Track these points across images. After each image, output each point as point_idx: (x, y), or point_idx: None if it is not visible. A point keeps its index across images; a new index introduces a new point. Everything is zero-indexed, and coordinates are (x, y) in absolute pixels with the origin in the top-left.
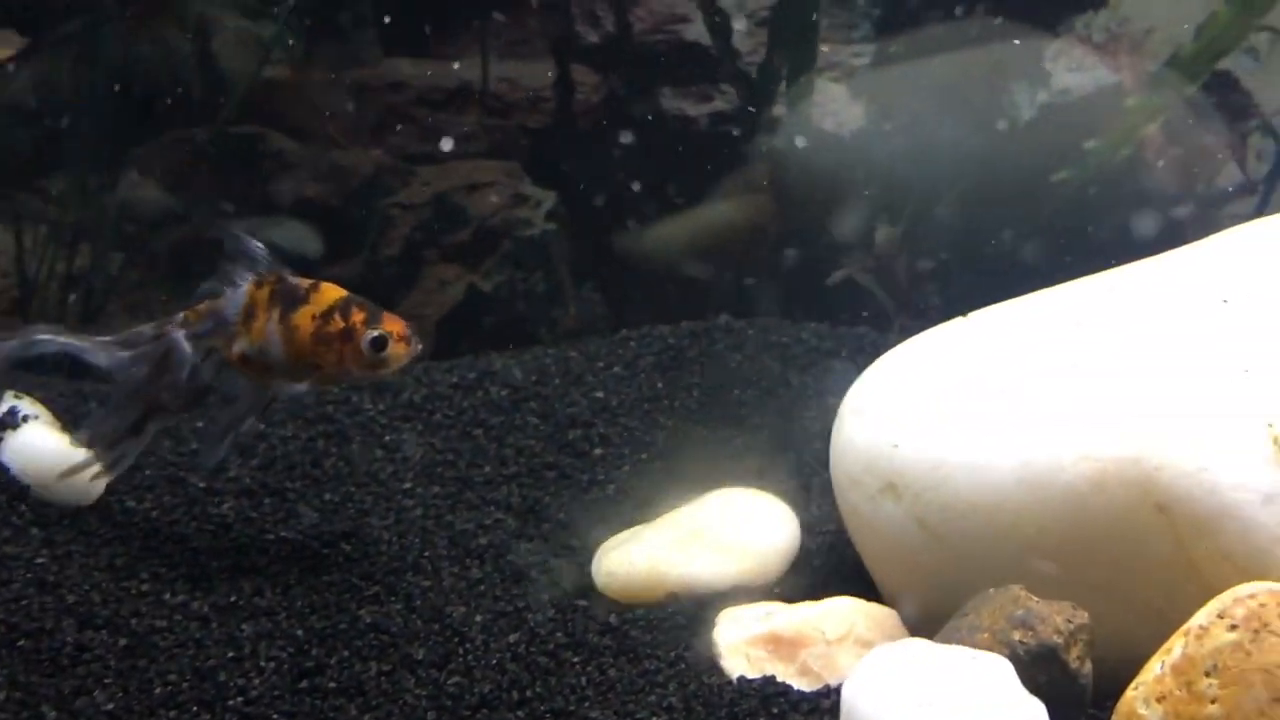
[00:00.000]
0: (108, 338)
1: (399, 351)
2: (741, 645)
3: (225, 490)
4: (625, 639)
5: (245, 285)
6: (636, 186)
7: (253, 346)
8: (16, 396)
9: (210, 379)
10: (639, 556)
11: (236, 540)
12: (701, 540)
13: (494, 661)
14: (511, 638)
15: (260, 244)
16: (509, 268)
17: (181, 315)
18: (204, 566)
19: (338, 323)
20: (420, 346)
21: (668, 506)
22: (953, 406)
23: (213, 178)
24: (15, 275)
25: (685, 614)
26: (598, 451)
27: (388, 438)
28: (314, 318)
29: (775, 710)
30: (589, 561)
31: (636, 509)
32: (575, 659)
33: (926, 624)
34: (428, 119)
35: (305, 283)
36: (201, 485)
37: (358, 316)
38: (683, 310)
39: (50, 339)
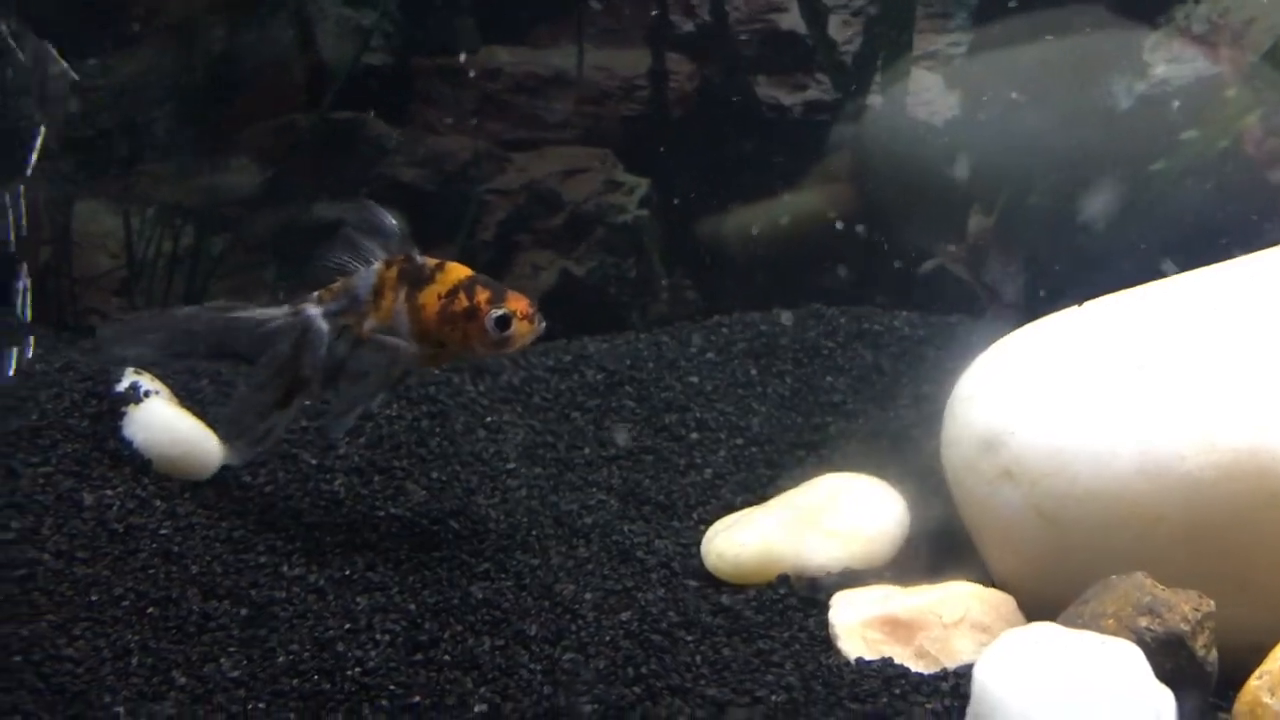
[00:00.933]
0: (237, 313)
1: (523, 330)
2: (858, 627)
3: (335, 467)
4: (738, 619)
5: (376, 265)
6: (729, 174)
7: (381, 325)
8: (136, 373)
9: (344, 355)
10: (750, 538)
11: (348, 516)
12: (813, 523)
13: (607, 639)
14: (623, 615)
15: (392, 219)
16: (602, 253)
17: (316, 294)
18: (318, 541)
19: (462, 301)
20: (544, 324)
21: (767, 491)
22: (1071, 394)
23: (313, 163)
24: (124, 257)
25: (797, 595)
26: (694, 436)
27: (489, 419)
28: (440, 296)
29: (897, 691)
30: (693, 542)
31: (735, 493)
32: (689, 638)
33: (1041, 609)
34: (523, 105)
35: (431, 262)
36: (313, 462)
37: (482, 295)
38: (774, 298)
39: (198, 314)
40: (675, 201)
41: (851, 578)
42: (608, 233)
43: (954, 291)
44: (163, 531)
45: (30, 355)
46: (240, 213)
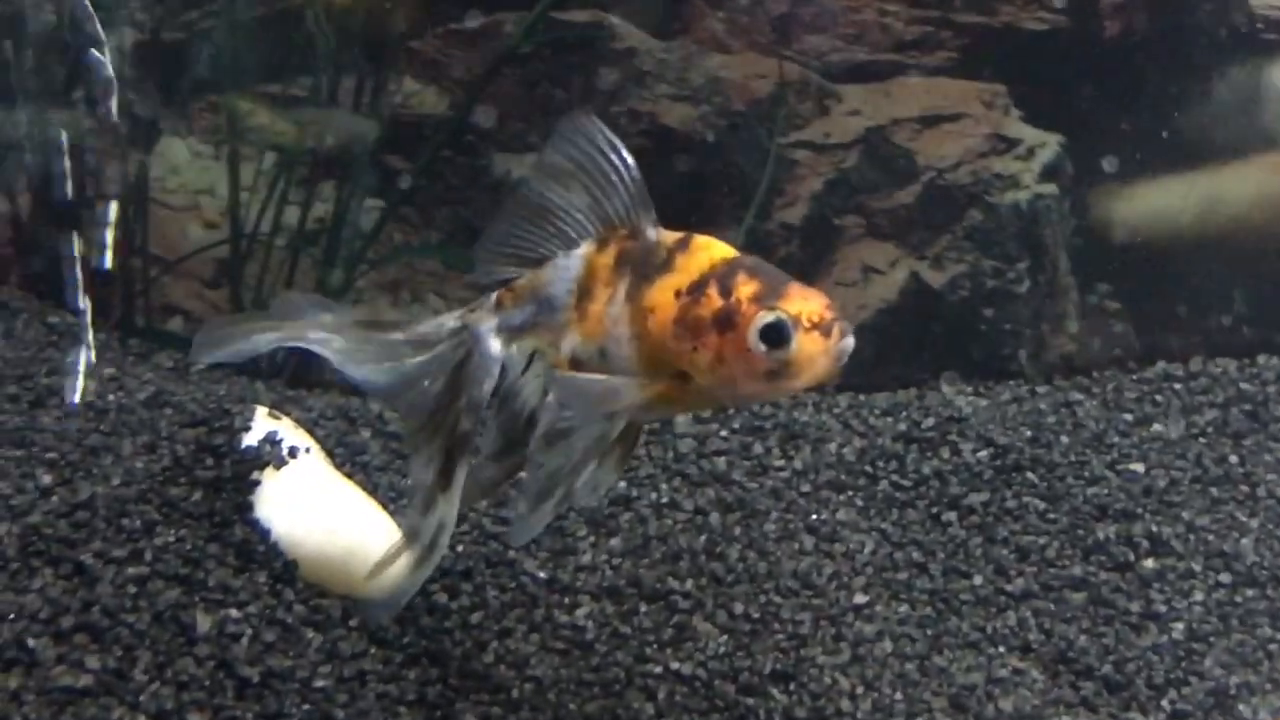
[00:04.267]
0: (390, 334)
1: (811, 349)
2: None
3: (577, 586)
4: None
5: (583, 246)
6: (1195, 132)
7: (587, 344)
8: (273, 416)
9: (536, 402)
10: None
11: (603, 669)
12: None
13: None
14: None
15: (624, 152)
16: (976, 252)
17: (493, 297)
18: (558, 710)
19: (712, 300)
20: (852, 340)
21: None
22: None
23: (525, 88)
24: (227, 227)
25: None
26: (1149, 564)
27: (815, 516)
28: (679, 293)
29: None
30: None
31: (1227, 667)
32: None
33: None
34: (861, 13)
35: (669, 238)
36: (541, 575)
37: (745, 289)
38: (1260, 334)
39: (319, 337)
40: (1102, 173)
41: None
42: (988, 219)
43: None
44: (318, 683)
45: (95, 378)
46: (407, 164)
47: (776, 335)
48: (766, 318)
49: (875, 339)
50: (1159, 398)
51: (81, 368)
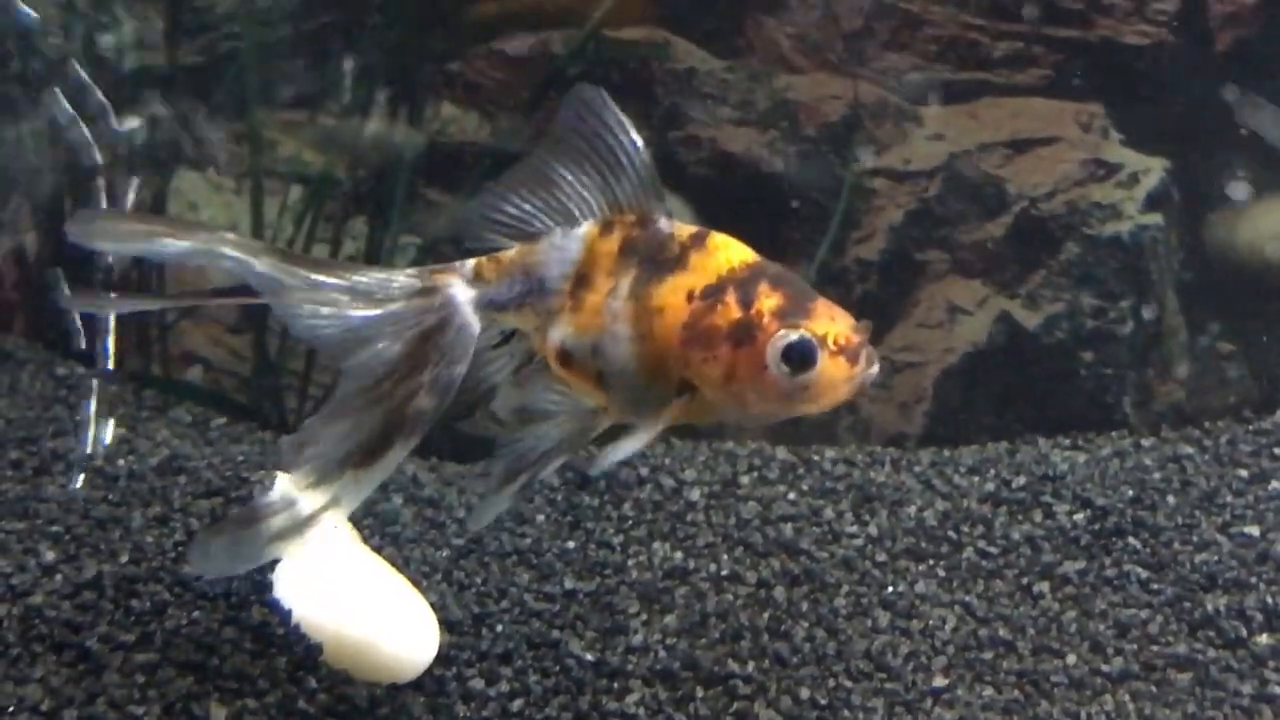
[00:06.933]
0: (343, 278)
1: (835, 375)
2: None
3: (628, 669)
4: None
5: (585, 225)
6: None
7: (580, 337)
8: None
9: (502, 378)
10: None
11: None
12: None
13: None
14: None
15: (633, 133)
16: (1073, 289)
17: (470, 263)
18: None
19: (730, 309)
20: (877, 367)
21: None
22: None
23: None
24: None
25: None
26: (1264, 639)
27: (891, 589)
28: (691, 296)
29: None
30: None
31: None
32: None
33: None
34: (947, 25)
35: (684, 232)
36: (588, 657)
37: (768, 301)
38: None
39: (235, 256)
40: (1213, 200)
41: None
42: (1087, 253)
43: None
44: None
45: (107, 440)
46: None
47: (800, 357)
48: (789, 337)
49: (962, 387)
50: (1278, 451)
51: (89, 446)
